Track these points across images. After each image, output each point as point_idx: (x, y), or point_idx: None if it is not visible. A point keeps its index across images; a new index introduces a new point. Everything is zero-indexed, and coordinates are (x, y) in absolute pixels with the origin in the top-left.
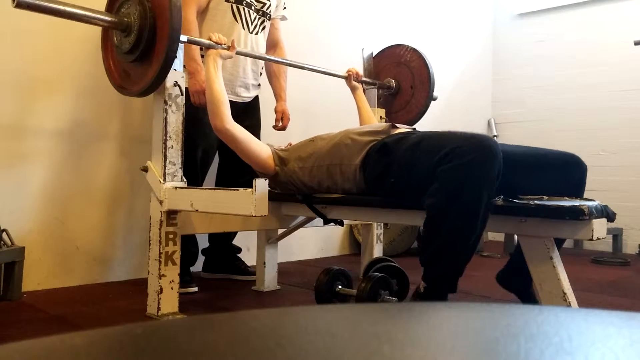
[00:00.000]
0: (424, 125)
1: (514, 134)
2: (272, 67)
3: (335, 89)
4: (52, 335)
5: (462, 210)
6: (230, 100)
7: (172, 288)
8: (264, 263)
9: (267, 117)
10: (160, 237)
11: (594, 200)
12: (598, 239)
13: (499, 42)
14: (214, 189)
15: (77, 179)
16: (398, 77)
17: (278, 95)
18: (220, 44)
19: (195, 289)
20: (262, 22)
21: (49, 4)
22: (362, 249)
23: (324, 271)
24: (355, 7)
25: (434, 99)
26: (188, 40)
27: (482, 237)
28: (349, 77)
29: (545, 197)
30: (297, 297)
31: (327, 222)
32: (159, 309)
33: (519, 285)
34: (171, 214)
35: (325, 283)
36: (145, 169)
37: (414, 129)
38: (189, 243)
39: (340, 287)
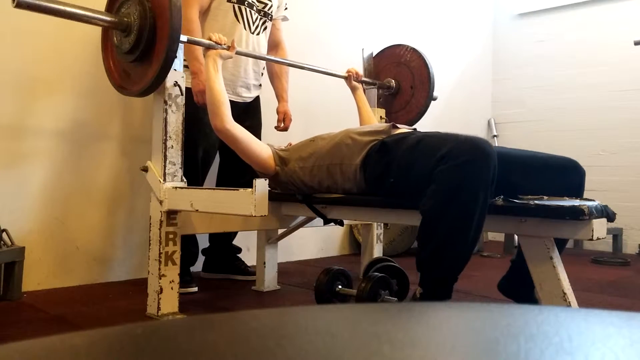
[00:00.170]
0: (424, 125)
1: (514, 134)
2: (274, 68)
3: (335, 89)
4: (52, 335)
5: (459, 211)
6: (231, 101)
7: (172, 288)
8: (264, 263)
9: (268, 117)
10: (160, 237)
11: (594, 200)
12: (598, 239)
13: (499, 42)
14: (214, 189)
15: (77, 179)
16: (398, 77)
17: (280, 96)
18: (220, 44)
19: (195, 289)
20: (264, 22)
21: (49, 4)
22: (362, 249)
23: (324, 271)
24: (355, 7)
25: (434, 99)
26: (188, 40)
27: (482, 237)
28: (349, 77)
29: (545, 197)
30: (297, 297)
31: (327, 222)
32: (159, 309)
33: (524, 294)
34: (171, 214)
35: (325, 283)
36: (145, 169)
37: (415, 129)
38: (189, 243)
39: (340, 287)
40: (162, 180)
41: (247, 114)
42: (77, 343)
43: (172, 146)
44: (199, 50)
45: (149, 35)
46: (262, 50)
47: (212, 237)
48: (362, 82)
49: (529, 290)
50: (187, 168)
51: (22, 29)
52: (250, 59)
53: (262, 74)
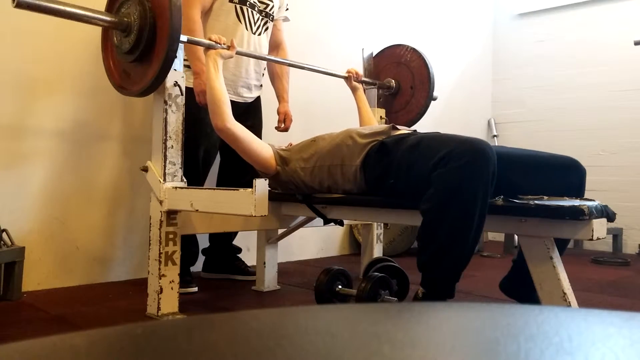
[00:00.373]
0: (424, 125)
1: (514, 134)
2: (275, 68)
3: (335, 89)
4: (52, 335)
5: (458, 212)
6: (232, 101)
7: (172, 288)
8: (264, 263)
9: (268, 117)
10: (160, 237)
11: (594, 200)
12: (598, 239)
13: (499, 42)
14: (214, 189)
15: (77, 179)
16: (398, 77)
17: (280, 97)
18: (220, 44)
19: (195, 289)
20: (265, 23)
21: (49, 4)
22: (362, 249)
23: (324, 271)
24: (355, 7)
25: (434, 99)
26: (188, 40)
27: (482, 237)
28: (349, 77)
29: (545, 197)
30: (297, 297)
31: (327, 222)
32: (159, 309)
33: (525, 294)
34: (171, 214)
35: (325, 283)
36: (145, 169)
37: (415, 130)
38: (189, 243)
39: (340, 287)
40: (162, 180)
41: (248, 114)
42: (77, 343)
43: (172, 146)
44: (201, 50)
45: (149, 35)
46: (264, 50)
47: (212, 237)
48: (362, 82)
49: (531, 290)
50: (188, 168)
51: (22, 29)
52: (252, 59)
53: (263, 74)
